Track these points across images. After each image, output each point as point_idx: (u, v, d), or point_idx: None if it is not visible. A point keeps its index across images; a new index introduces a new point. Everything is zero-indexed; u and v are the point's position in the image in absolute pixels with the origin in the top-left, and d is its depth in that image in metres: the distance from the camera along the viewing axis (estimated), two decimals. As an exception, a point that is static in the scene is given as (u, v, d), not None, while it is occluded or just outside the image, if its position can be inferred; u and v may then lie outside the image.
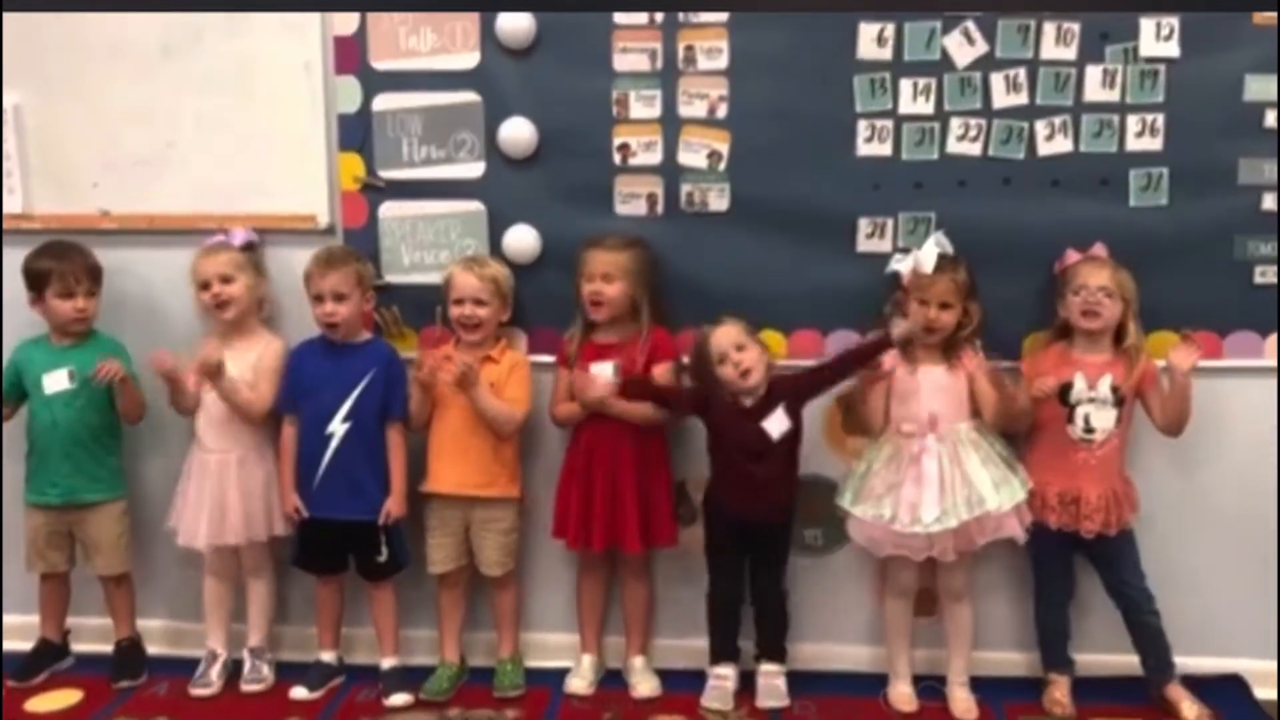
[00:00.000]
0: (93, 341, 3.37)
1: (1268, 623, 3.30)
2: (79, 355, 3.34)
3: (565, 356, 3.30)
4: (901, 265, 3.13)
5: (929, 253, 3.08)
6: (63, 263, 3.28)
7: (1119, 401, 3.07)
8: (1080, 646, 3.31)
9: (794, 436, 3.17)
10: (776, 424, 3.11)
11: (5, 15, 3.34)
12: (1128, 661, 3.27)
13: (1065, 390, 3.08)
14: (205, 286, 3.29)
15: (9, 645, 3.54)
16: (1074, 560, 3.24)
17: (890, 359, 3.16)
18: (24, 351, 3.39)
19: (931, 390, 3.12)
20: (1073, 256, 3.13)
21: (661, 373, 3.24)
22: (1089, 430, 3.08)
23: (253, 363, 3.33)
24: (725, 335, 3.10)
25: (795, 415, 3.15)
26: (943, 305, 3.09)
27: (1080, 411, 3.08)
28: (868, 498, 3.14)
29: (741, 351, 3.08)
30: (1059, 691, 3.21)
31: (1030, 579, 3.30)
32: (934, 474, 3.07)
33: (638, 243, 3.23)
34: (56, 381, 3.31)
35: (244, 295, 3.31)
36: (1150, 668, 3.21)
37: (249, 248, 3.36)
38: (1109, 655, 3.30)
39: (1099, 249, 3.12)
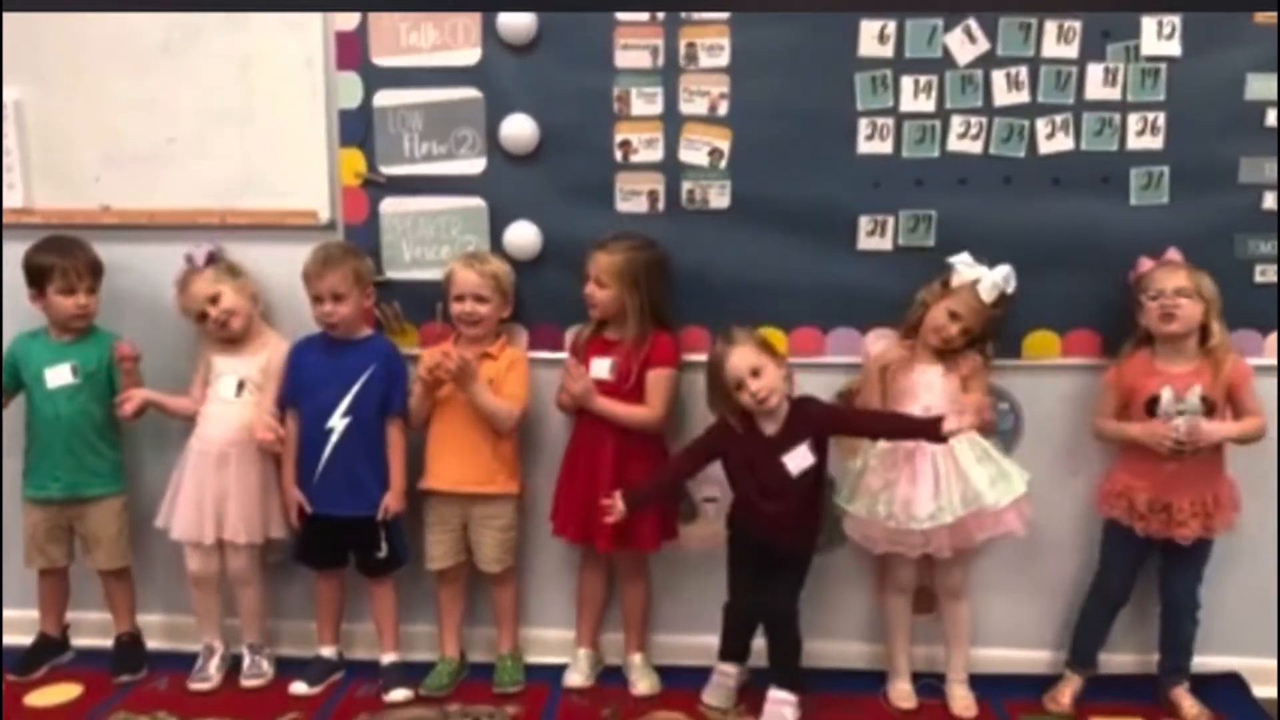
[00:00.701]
0: (93, 337, 3.37)
1: (1268, 621, 3.31)
2: (80, 350, 3.34)
3: (575, 347, 3.30)
4: (965, 269, 3.08)
5: (993, 284, 3.04)
6: (65, 259, 3.28)
7: (1209, 410, 3.00)
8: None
9: (818, 470, 3.09)
10: (798, 460, 3.03)
11: (5, 12, 3.34)
12: (1130, 660, 3.30)
13: (1153, 403, 3.02)
14: (202, 317, 3.29)
15: (8, 640, 3.54)
16: (1143, 563, 3.19)
17: (892, 355, 3.17)
18: (23, 344, 3.38)
19: (927, 389, 3.12)
20: (1146, 264, 3.08)
21: (653, 380, 3.22)
22: (1179, 442, 2.99)
23: (262, 366, 3.34)
24: (741, 360, 3.00)
25: (820, 449, 3.08)
26: (966, 329, 3.08)
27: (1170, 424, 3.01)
28: (863, 495, 3.14)
29: (758, 377, 2.99)
30: (1065, 694, 3.21)
31: (1088, 573, 3.28)
32: (929, 471, 3.06)
33: (640, 246, 3.21)
34: (59, 376, 3.32)
35: (238, 301, 3.31)
36: (1165, 669, 3.22)
37: (213, 259, 3.34)
38: (1111, 654, 3.31)
39: (1173, 254, 3.07)
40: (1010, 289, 3.06)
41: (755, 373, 3.00)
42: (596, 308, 3.22)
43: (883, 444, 3.14)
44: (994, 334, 3.14)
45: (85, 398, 3.33)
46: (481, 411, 3.23)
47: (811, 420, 3.07)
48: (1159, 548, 3.14)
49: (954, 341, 3.09)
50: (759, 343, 3.07)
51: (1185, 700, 3.15)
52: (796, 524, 3.11)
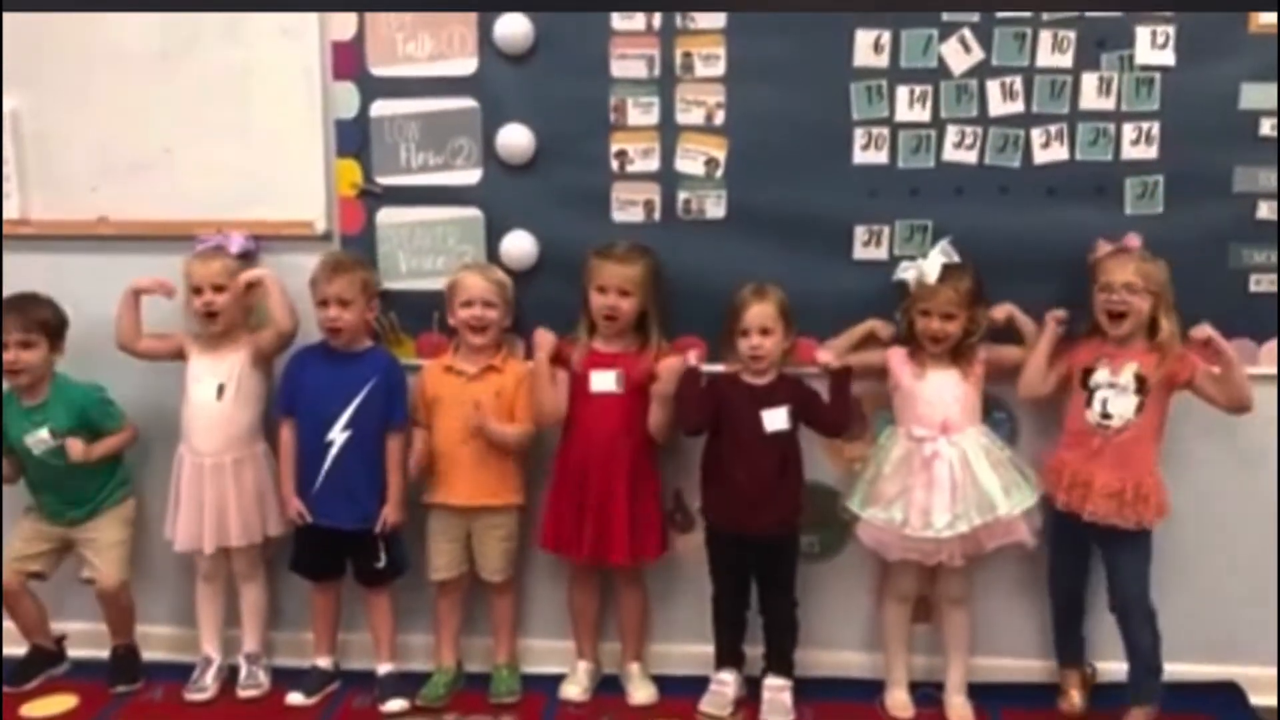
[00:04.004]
0: (59, 394, 3.30)
1: (1267, 630, 3.30)
2: (51, 411, 3.29)
3: (564, 358, 3.29)
4: (907, 274, 3.14)
5: (933, 262, 3.09)
6: (3, 312, 3.25)
7: (1142, 390, 3.02)
8: (1103, 653, 3.31)
9: (789, 451, 3.16)
10: (774, 419, 3.12)
11: (5, 20, 3.34)
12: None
13: (1087, 374, 3.06)
14: (197, 292, 3.28)
15: (7, 650, 3.52)
16: (1089, 551, 3.19)
17: (895, 361, 3.19)
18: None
19: (942, 395, 3.12)
20: (1104, 248, 3.08)
21: (666, 368, 3.22)
22: (1105, 416, 3.03)
23: (238, 369, 3.31)
24: (759, 314, 3.11)
25: (795, 421, 3.16)
26: (946, 316, 3.09)
27: (1098, 396, 3.04)
28: (877, 501, 3.14)
29: (765, 336, 3.11)
30: (1073, 694, 3.24)
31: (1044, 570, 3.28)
32: (946, 479, 3.06)
33: (646, 252, 3.23)
34: (39, 442, 3.29)
35: (234, 306, 3.30)
36: (1130, 685, 3.16)
37: (246, 256, 3.35)
38: (1109, 661, 3.31)
39: (1132, 239, 3.07)
40: (954, 258, 3.10)
41: (764, 331, 3.10)
42: (619, 320, 3.21)
43: (897, 450, 3.14)
44: (982, 302, 3.13)
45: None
46: (504, 446, 3.25)
47: (793, 391, 3.17)
48: (1097, 546, 3.14)
49: (945, 333, 3.10)
50: (782, 309, 3.14)
51: None
52: (767, 498, 3.14)
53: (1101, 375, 3.05)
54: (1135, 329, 3.04)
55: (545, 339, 3.24)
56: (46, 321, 3.29)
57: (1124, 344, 3.05)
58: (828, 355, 3.15)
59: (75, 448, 3.27)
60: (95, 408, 3.33)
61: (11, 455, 3.34)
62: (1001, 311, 3.15)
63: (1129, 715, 3.12)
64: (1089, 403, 3.06)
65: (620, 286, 3.18)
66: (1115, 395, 3.04)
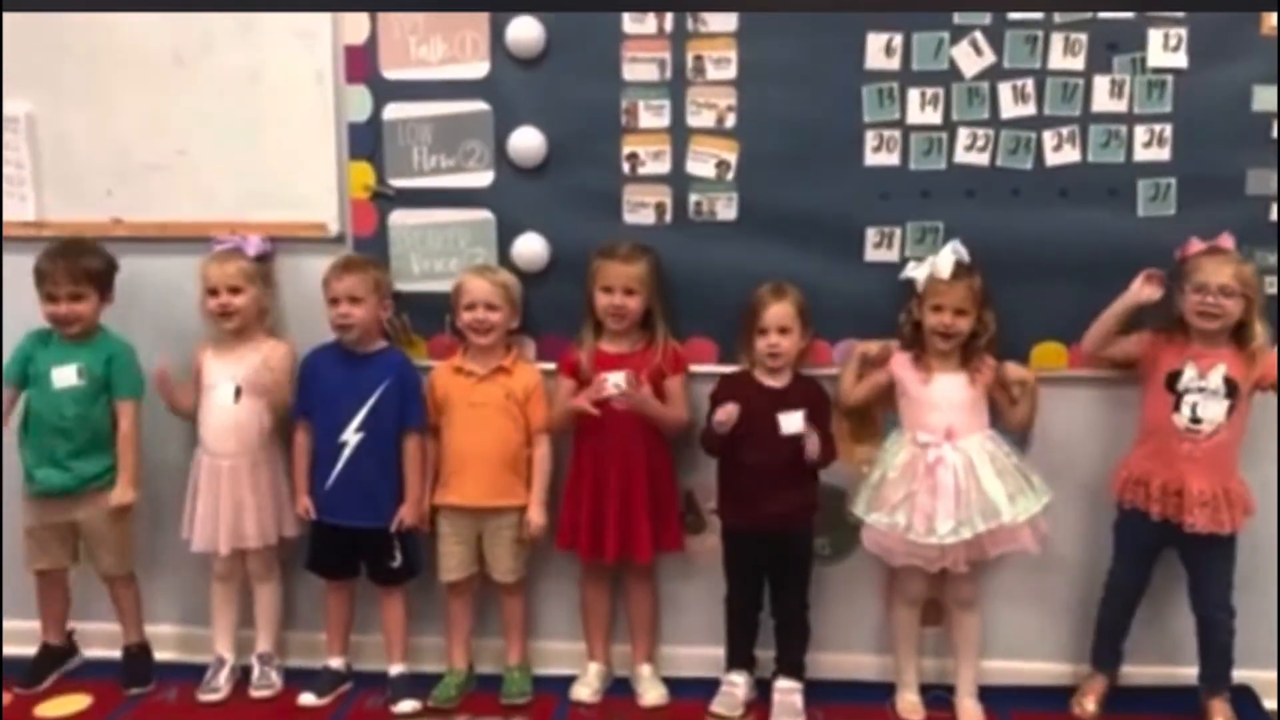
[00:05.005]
0: (102, 340, 3.35)
1: (1269, 633, 3.29)
2: (88, 352, 3.32)
3: (572, 365, 3.30)
4: (917, 272, 3.14)
5: (946, 259, 3.10)
6: (52, 264, 3.26)
7: (1231, 394, 3.00)
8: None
9: (801, 455, 3.14)
10: (790, 422, 3.11)
11: (20, 23, 3.36)
12: (1155, 671, 3.31)
13: (1174, 377, 3.03)
14: (213, 293, 3.30)
15: (9, 650, 3.53)
16: (1155, 560, 3.18)
17: (899, 367, 3.18)
18: (32, 342, 3.36)
19: (947, 400, 3.12)
20: (1195, 246, 3.06)
21: (675, 386, 3.25)
22: (1195, 420, 3.00)
23: (256, 365, 3.32)
24: (777, 314, 3.14)
25: (810, 427, 3.14)
26: (958, 312, 3.09)
27: (1188, 400, 3.01)
28: (882, 506, 3.14)
29: (783, 335, 3.13)
30: (1089, 698, 3.22)
31: (1098, 585, 3.27)
32: (950, 485, 3.06)
33: (648, 250, 3.25)
34: (65, 377, 3.30)
35: (250, 307, 3.31)
36: (1204, 677, 3.18)
37: (262, 258, 3.37)
38: (1136, 666, 3.32)
39: (1225, 239, 3.05)
40: (965, 257, 3.10)
41: (783, 330, 3.13)
42: (626, 318, 3.23)
43: (902, 455, 3.14)
44: (990, 305, 3.13)
45: (90, 400, 3.31)
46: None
47: (810, 395, 3.18)
48: (1177, 553, 3.14)
49: (956, 329, 3.09)
50: (799, 308, 3.16)
51: (1219, 713, 3.13)
52: (782, 496, 3.15)
53: (1189, 377, 3.02)
54: (1223, 331, 3.02)
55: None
56: (96, 272, 3.31)
57: (1210, 342, 3.03)
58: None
59: (120, 497, 3.31)
60: (121, 359, 3.33)
61: (19, 389, 3.33)
62: (1015, 374, 3.14)
63: (1212, 704, 3.14)
64: (1177, 407, 3.03)
65: (626, 286, 3.20)
66: (1205, 399, 3.01)
